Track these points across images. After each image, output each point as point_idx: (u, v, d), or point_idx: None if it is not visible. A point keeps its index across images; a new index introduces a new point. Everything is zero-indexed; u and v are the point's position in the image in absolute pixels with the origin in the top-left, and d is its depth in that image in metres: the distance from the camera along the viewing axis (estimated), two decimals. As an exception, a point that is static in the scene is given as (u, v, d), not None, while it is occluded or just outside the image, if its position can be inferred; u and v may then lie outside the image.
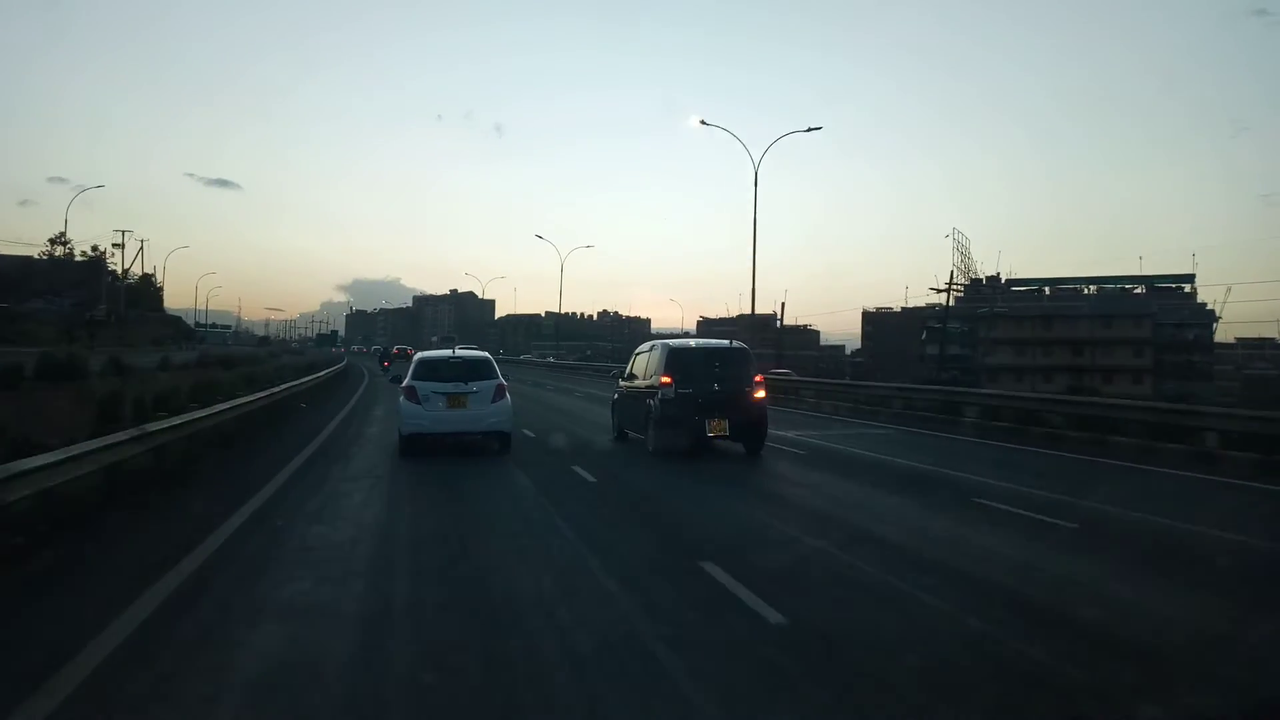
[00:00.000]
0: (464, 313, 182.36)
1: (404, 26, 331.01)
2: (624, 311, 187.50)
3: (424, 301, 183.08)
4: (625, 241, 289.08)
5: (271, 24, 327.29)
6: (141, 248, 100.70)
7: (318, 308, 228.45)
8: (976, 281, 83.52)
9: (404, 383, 12.69)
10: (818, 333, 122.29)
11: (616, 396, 15.14)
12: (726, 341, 14.05)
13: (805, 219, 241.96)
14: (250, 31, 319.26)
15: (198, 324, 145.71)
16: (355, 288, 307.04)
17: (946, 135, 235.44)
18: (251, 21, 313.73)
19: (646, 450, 12.70)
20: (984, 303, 78.35)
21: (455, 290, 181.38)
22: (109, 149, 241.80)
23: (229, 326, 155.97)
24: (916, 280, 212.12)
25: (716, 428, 12.21)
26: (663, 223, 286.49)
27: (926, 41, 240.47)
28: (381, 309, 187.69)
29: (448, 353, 14.11)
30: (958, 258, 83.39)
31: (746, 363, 13.03)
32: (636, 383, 13.78)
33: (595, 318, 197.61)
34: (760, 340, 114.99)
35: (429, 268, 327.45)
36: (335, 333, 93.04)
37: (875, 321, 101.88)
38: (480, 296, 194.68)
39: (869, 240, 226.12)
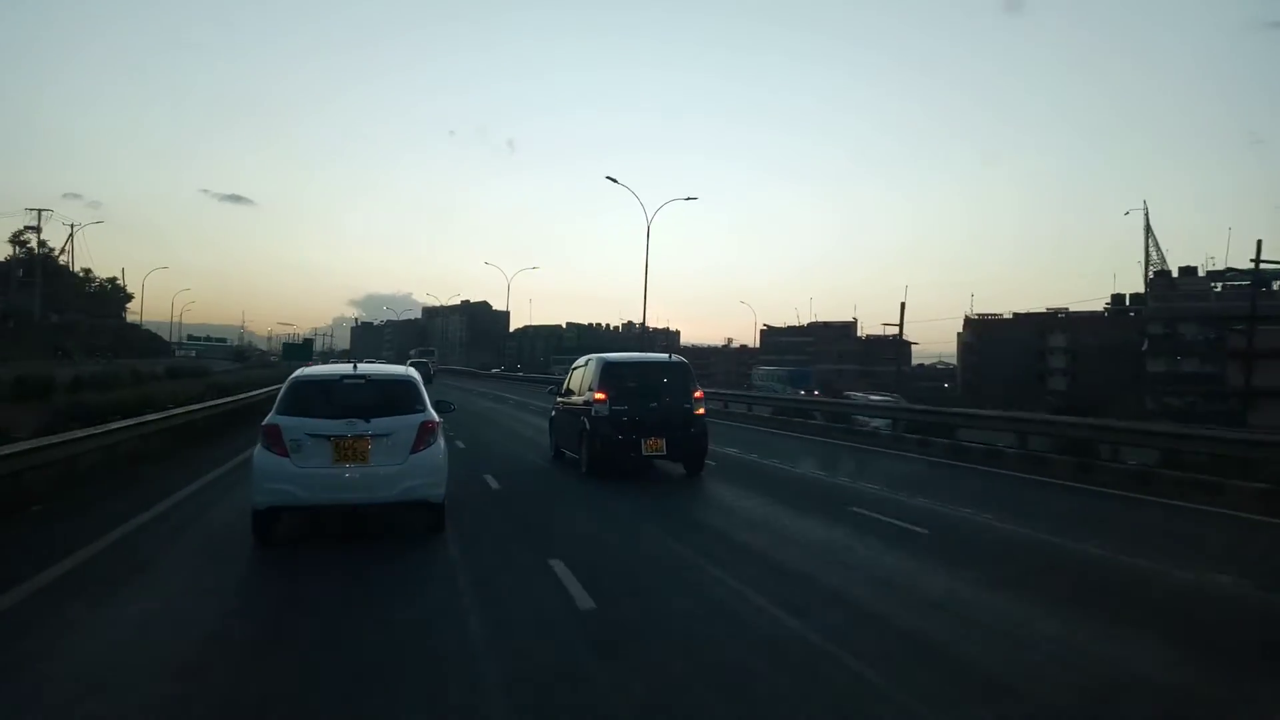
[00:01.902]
0: (477, 324, 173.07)
1: (417, 44, 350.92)
2: (651, 324, 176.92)
3: (433, 313, 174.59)
4: (654, 255, 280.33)
5: (286, 43, 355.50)
6: (71, 234, 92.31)
7: (330, 322, 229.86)
8: (1164, 275, 68.19)
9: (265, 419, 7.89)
10: (908, 344, 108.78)
11: (554, 413, 14.58)
12: (665, 355, 13.45)
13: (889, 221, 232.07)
14: (265, 51, 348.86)
15: (191, 336, 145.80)
16: (367, 303, 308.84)
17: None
18: (267, 41, 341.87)
19: (580, 471, 12.35)
20: (1172, 301, 64.14)
21: (467, 301, 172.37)
22: (123, 166, 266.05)
23: (224, 340, 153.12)
24: (1026, 282, 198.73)
25: (653, 446, 11.79)
26: (699, 231, 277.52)
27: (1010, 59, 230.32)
28: (388, 321, 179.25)
29: (342, 370, 8.87)
30: (1150, 251, 68.32)
31: (686, 378, 12.59)
32: (573, 399, 13.14)
33: (620, 329, 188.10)
34: (838, 354, 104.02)
35: (442, 282, 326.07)
36: (308, 342, 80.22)
37: (980, 330, 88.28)
38: (494, 308, 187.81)
39: (964, 239, 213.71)
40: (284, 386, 8.38)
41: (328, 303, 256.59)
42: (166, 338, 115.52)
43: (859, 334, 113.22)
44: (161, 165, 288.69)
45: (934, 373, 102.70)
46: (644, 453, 11.95)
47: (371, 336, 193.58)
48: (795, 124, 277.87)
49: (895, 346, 75.65)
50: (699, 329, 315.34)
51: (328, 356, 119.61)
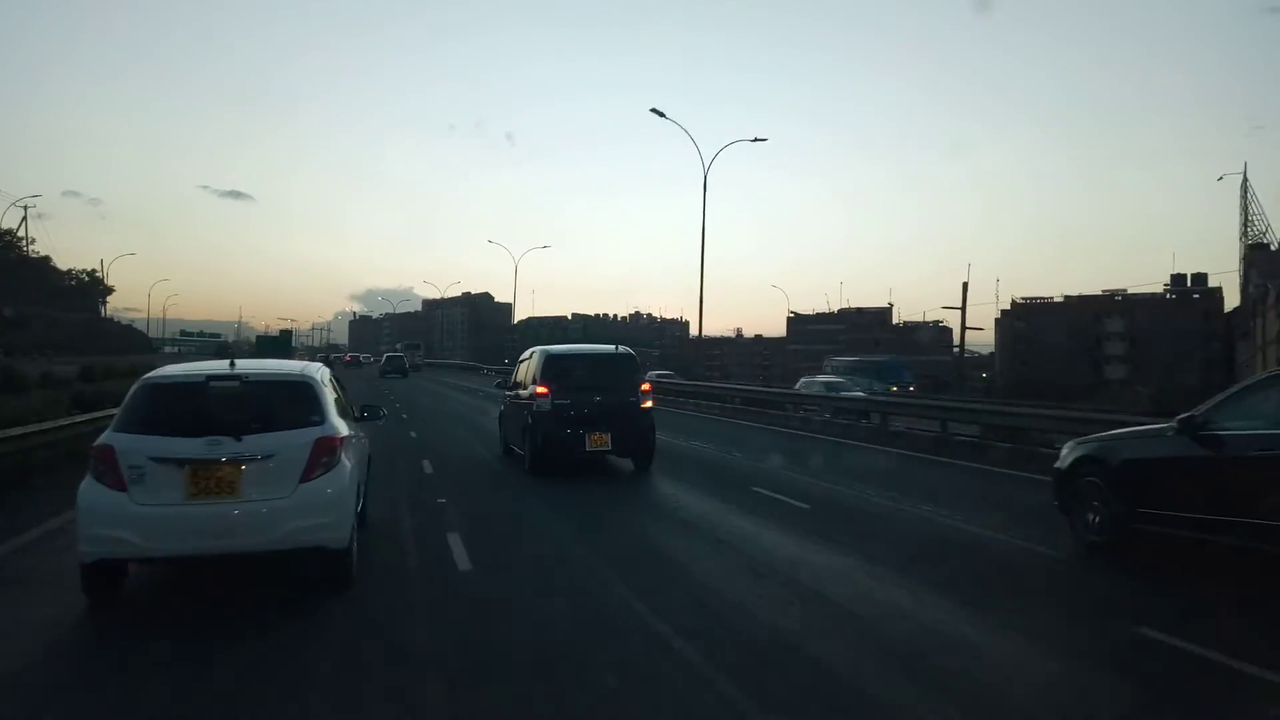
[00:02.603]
0: (479, 316, 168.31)
1: (414, 38, 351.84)
2: (657, 314, 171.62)
3: (434, 305, 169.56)
4: (662, 244, 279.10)
5: (283, 38, 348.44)
6: (25, 217, 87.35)
7: (331, 317, 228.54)
8: (1261, 248, 60.15)
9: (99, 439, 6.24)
10: (949, 331, 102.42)
11: (502, 408, 14.73)
12: (612, 347, 13.14)
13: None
14: (262, 45, 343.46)
15: (184, 332, 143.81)
16: (368, 297, 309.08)
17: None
18: (264, 35, 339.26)
19: (524, 467, 12.45)
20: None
21: (468, 293, 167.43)
22: (123, 163, 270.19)
23: (217, 335, 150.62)
24: (1068, 268, 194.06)
25: (597, 441, 11.71)
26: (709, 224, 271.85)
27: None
28: (387, 314, 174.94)
29: (210, 368, 6.98)
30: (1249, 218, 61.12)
31: (632, 370, 12.54)
32: (520, 393, 13.02)
33: (627, 319, 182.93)
34: (873, 342, 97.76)
35: (442, 276, 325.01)
36: (286, 334, 74.36)
37: (1026, 315, 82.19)
38: (496, 299, 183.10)
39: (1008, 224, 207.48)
40: (129, 392, 6.46)
41: (328, 298, 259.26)
42: (157, 334, 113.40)
43: (895, 320, 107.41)
44: (160, 161, 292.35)
45: (976, 362, 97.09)
46: (588, 448, 11.75)
47: (370, 330, 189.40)
48: (797, 112, 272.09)
49: (933, 334, 70.14)
50: (708, 321, 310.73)
51: (315, 352, 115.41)
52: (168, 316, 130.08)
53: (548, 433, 11.77)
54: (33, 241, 77.83)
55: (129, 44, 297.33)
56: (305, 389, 6.53)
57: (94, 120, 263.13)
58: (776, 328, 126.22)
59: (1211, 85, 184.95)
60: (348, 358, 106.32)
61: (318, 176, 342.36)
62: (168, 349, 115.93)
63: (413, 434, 18.33)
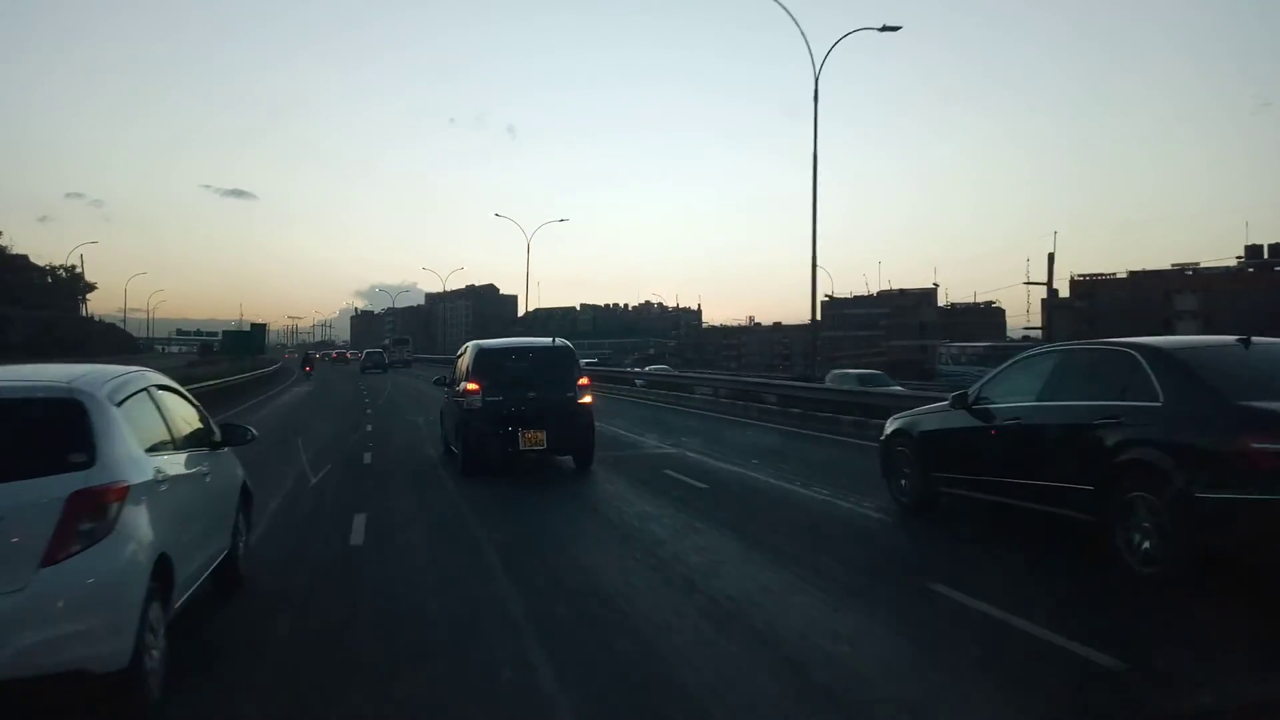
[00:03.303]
0: (483, 308, 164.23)
1: (414, 32, 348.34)
2: (668, 303, 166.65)
3: (437, 299, 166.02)
4: (668, 234, 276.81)
5: (281, 36, 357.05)
6: None
7: (336, 314, 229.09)
8: None
9: None
10: (1002, 312, 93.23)
11: (442, 407, 14.64)
12: (548, 340, 12.80)
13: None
14: (261, 43, 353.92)
15: (180, 331, 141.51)
16: (372, 294, 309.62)
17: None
18: (263, 34, 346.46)
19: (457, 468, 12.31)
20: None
21: (472, 285, 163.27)
22: (125, 163, 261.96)
23: (215, 334, 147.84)
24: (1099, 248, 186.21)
25: (531, 440, 11.35)
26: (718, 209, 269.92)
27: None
28: (389, 309, 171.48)
29: None
30: None
31: (569, 364, 12.25)
32: (456, 390, 12.56)
33: (637, 309, 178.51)
34: (919, 327, 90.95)
35: (446, 271, 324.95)
36: (259, 328, 64.60)
37: (1088, 292, 74.98)
38: (501, 291, 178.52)
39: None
40: None
41: (333, 294, 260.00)
42: (147, 333, 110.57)
43: (941, 303, 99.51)
44: (162, 162, 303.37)
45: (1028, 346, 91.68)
46: (521, 446, 11.32)
47: (373, 325, 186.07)
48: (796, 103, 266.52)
49: (983, 315, 64.25)
50: (719, 309, 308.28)
51: (305, 348, 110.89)
52: (168, 316, 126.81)
53: (479, 431, 11.45)
54: None
55: (126, 45, 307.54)
56: (68, 412, 4.27)
57: (95, 122, 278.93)
58: (794, 314, 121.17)
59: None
60: (334, 354, 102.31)
61: (320, 174, 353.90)
62: (162, 348, 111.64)
63: (368, 427, 19.81)
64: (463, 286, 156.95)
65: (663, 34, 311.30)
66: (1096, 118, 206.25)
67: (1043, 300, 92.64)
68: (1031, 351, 8.05)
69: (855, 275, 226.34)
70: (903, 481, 8.67)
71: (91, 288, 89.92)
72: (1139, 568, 5.84)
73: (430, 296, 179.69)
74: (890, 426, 9.13)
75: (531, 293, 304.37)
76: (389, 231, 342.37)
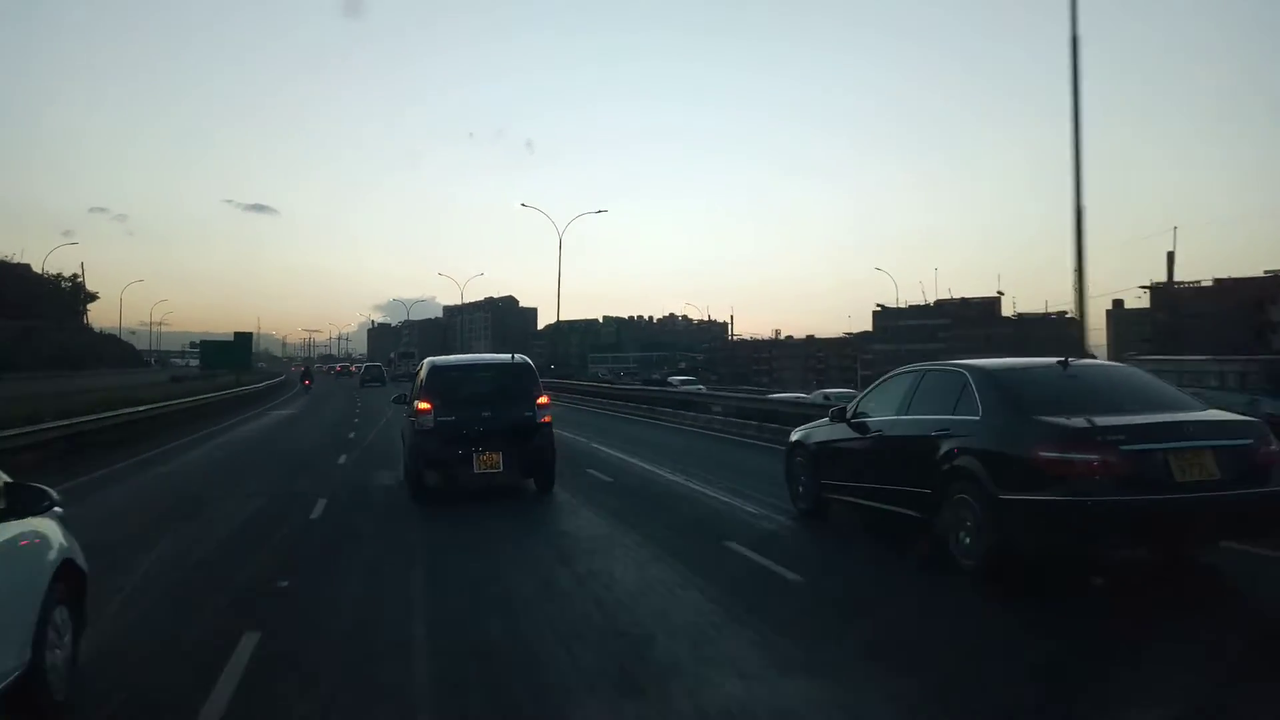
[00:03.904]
0: (503, 321, 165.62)
1: (433, 48, 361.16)
2: (693, 316, 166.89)
3: (455, 311, 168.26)
4: (698, 249, 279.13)
5: (302, 53, 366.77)
6: None
7: (354, 328, 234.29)
8: None
9: None
10: (1078, 322, 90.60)
11: (402, 425, 13.53)
12: (507, 356, 12.85)
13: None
14: (281, 58, 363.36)
15: (192, 344, 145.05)
16: (391, 307, 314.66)
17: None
18: (283, 48, 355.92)
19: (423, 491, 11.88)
20: None
21: (491, 298, 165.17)
22: (148, 178, 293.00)
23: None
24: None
25: (486, 462, 11.18)
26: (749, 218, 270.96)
27: None
28: (405, 321, 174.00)
29: None
30: None
31: (527, 381, 11.98)
32: (409, 408, 12.42)
33: (661, 321, 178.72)
34: (984, 339, 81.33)
35: (464, 279, 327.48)
36: (245, 337, 57.47)
37: (1169, 303, 71.04)
38: (521, 304, 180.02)
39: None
40: None
41: (352, 308, 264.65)
42: (150, 345, 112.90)
43: (1007, 313, 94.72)
44: (184, 178, 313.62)
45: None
46: (476, 470, 11.15)
47: (389, 338, 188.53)
48: (820, 117, 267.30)
49: (1054, 326, 62.10)
50: (744, 322, 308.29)
51: (311, 361, 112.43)
52: (187, 329, 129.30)
53: (430, 454, 11.26)
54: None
55: (149, 61, 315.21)
56: None
57: (118, 137, 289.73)
58: (826, 327, 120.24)
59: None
60: (338, 367, 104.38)
61: (340, 189, 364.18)
62: (182, 360, 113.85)
63: (351, 435, 21.19)
64: (481, 299, 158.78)
65: (684, 49, 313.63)
66: (1180, 117, 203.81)
67: (1107, 311, 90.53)
68: (896, 371, 9.05)
69: (909, 284, 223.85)
70: (800, 489, 9.73)
71: (93, 298, 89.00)
72: (961, 561, 6.86)
73: (448, 309, 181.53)
74: (792, 438, 10.21)
75: (552, 305, 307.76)
76: (408, 246, 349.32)
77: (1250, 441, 6.40)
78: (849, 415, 8.86)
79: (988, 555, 6.63)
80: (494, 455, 11.07)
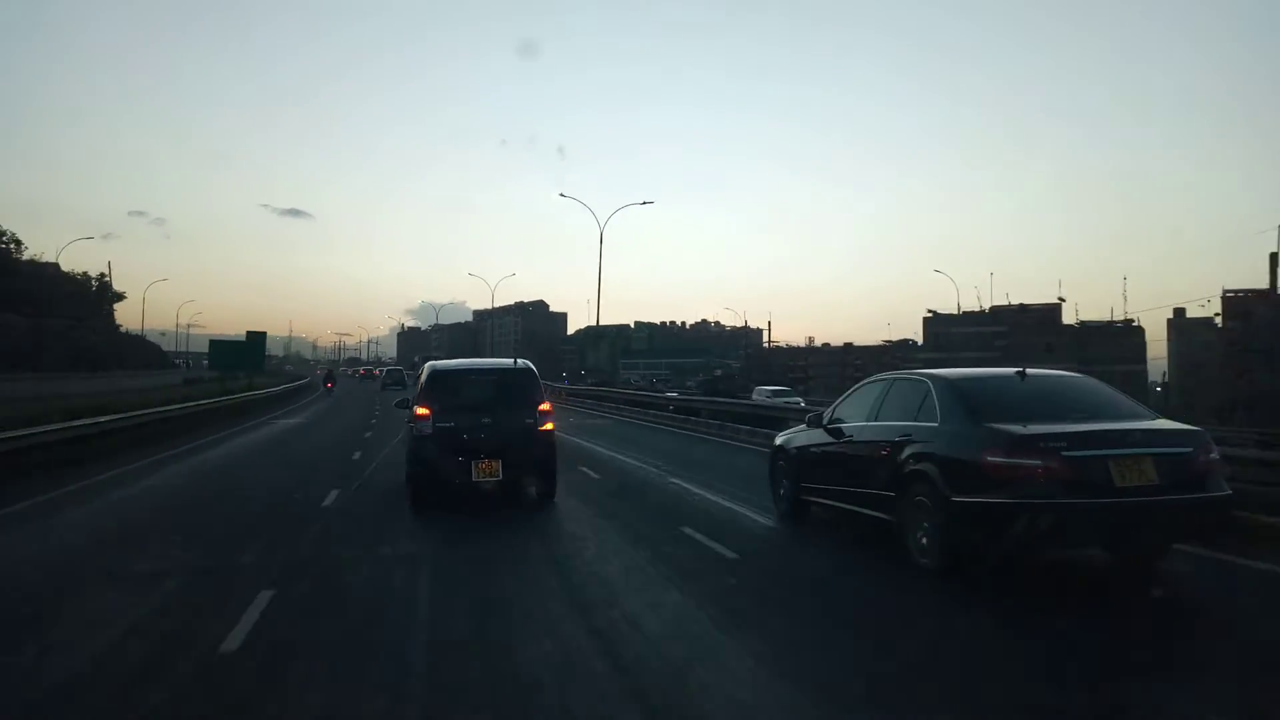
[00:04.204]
0: (533, 326, 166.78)
1: (466, 55, 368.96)
2: (726, 322, 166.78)
3: (485, 316, 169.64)
4: (729, 255, 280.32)
5: (337, 60, 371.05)
6: None
7: (386, 332, 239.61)
8: None
9: None
10: (1141, 331, 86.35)
11: (405, 431, 13.53)
12: (510, 361, 12.75)
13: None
14: (319, 64, 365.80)
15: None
16: (422, 311, 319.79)
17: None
18: (320, 54, 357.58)
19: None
20: None
21: (521, 302, 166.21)
22: (186, 182, 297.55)
23: None
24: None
25: (486, 470, 11.08)
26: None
27: None
28: (435, 325, 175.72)
29: None
30: None
31: (531, 388, 11.89)
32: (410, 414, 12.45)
33: (694, 327, 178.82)
34: (1045, 347, 78.16)
35: (497, 286, 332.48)
36: (258, 337, 50.50)
37: (1245, 313, 68.11)
38: (551, 309, 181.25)
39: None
40: None
41: (384, 311, 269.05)
42: (177, 346, 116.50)
43: (1069, 320, 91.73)
44: (222, 181, 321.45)
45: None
46: (475, 478, 11.03)
47: (419, 342, 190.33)
48: (858, 121, 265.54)
49: (1119, 337, 60.50)
50: (776, 329, 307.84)
51: (336, 364, 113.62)
52: (222, 331, 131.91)
53: (428, 461, 11.10)
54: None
55: (187, 67, 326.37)
56: None
57: (157, 141, 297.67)
58: (863, 334, 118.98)
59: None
60: (361, 370, 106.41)
61: (374, 194, 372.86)
62: (177, 363, 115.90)
63: (355, 455, 18.21)
64: (511, 304, 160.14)
65: (715, 55, 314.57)
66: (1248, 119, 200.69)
67: (1168, 320, 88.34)
68: (869, 379, 9.65)
69: (964, 290, 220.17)
70: (782, 492, 10.35)
71: (120, 297, 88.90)
72: (919, 559, 7.37)
73: (478, 314, 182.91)
74: (775, 442, 10.85)
75: (581, 311, 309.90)
76: (440, 251, 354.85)
77: (1190, 450, 6.86)
78: (825, 421, 9.46)
79: (941, 554, 7.14)
80: (494, 462, 10.99)
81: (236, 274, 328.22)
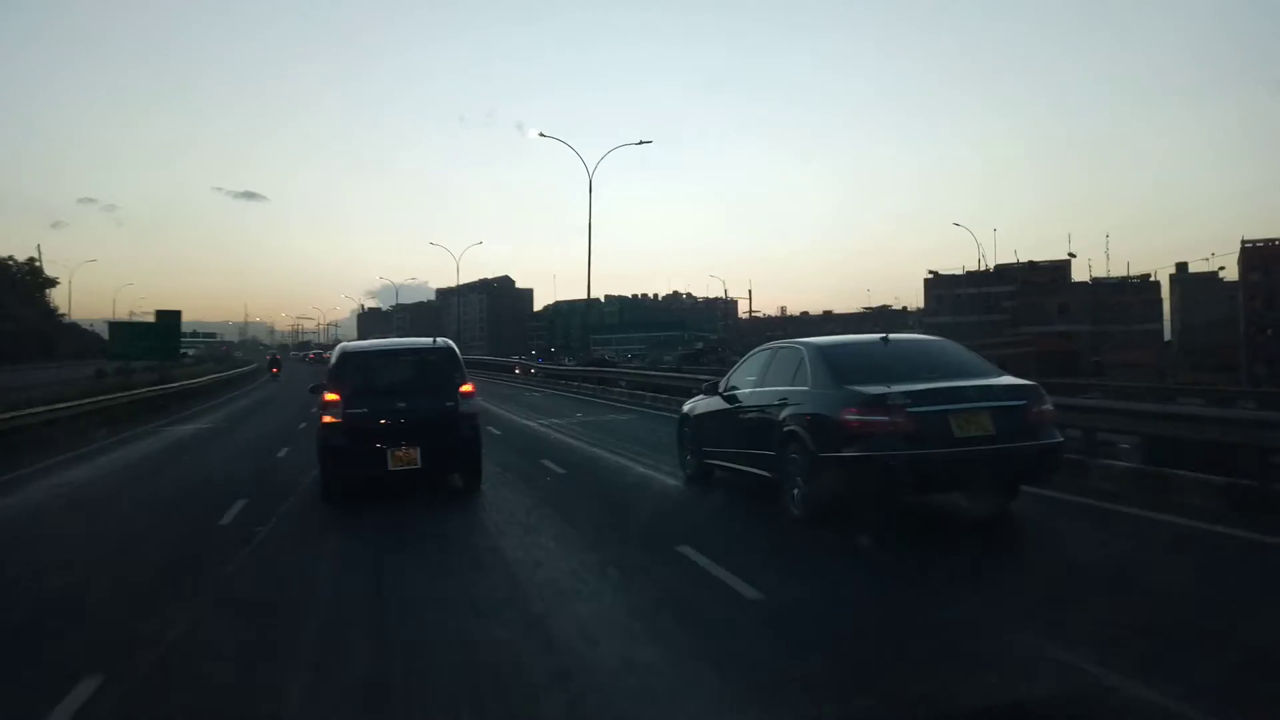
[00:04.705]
0: (498, 303, 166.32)
1: (422, 32, 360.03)
2: (698, 293, 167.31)
3: (448, 294, 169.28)
4: (697, 229, 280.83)
5: (288, 39, 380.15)
6: None
7: (347, 315, 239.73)
8: None
9: None
10: (1157, 287, 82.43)
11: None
12: (428, 340, 12.27)
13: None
14: (269, 44, 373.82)
15: (193, 334, 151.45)
16: (384, 293, 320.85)
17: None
18: (271, 34, 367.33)
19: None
20: None
21: (485, 279, 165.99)
22: (137, 168, 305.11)
23: (213, 335, 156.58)
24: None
25: (403, 458, 10.67)
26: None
27: None
28: (398, 305, 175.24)
29: None
30: None
31: (451, 368, 11.39)
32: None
33: (665, 300, 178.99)
34: (1057, 309, 77.72)
35: (462, 256, 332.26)
36: (172, 316, 43.92)
37: (1265, 265, 68.00)
38: (517, 285, 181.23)
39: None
40: None
41: (345, 295, 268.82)
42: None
43: (1080, 277, 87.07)
44: (173, 165, 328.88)
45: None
46: (390, 467, 10.66)
47: (379, 323, 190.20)
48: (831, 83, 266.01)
49: (1133, 294, 56.07)
50: (759, 298, 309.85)
51: (286, 350, 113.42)
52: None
53: (337, 450, 10.72)
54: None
55: (134, 48, 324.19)
56: None
57: (107, 126, 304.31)
58: (842, 301, 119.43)
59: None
60: (311, 355, 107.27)
61: (330, 175, 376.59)
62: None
63: (282, 452, 16.62)
64: (475, 280, 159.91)
65: (670, 29, 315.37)
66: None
67: (1170, 276, 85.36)
68: (758, 349, 10.68)
69: (962, 250, 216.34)
70: (687, 456, 11.42)
71: (52, 283, 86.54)
72: (792, 509, 8.43)
73: (441, 292, 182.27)
74: (683, 409, 11.94)
75: (547, 286, 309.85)
76: (401, 231, 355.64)
77: (1024, 402, 7.95)
78: (721, 389, 10.51)
79: (809, 504, 8.22)
80: (411, 450, 10.67)
81: (192, 259, 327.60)
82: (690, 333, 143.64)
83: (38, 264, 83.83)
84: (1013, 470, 8.02)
